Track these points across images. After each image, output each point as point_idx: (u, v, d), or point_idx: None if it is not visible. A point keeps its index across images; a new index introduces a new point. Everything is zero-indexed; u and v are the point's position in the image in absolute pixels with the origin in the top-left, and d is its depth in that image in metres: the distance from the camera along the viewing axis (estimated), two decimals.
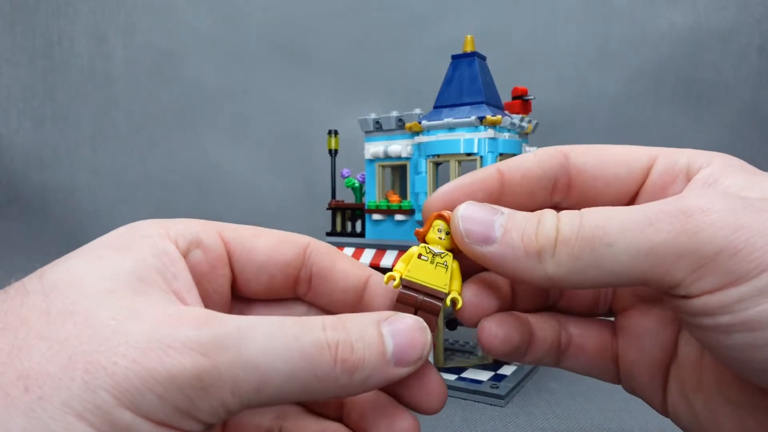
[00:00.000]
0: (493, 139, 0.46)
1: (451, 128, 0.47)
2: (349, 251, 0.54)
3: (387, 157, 0.52)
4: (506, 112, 0.52)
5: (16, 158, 1.07)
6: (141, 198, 1.02)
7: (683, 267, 0.15)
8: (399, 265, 0.20)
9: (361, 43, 0.92)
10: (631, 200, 0.21)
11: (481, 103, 0.48)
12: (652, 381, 0.21)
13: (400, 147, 0.51)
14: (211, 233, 0.20)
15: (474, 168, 0.44)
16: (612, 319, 0.23)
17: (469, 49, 0.50)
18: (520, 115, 0.50)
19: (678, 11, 0.78)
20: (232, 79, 0.99)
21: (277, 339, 0.15)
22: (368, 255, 0.52)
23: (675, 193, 0.19)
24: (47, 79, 1.08)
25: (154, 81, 1.03)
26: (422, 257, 0.19)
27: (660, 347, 0.21)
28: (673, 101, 0.79)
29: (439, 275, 0.19)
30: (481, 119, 0.45)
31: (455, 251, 0.19)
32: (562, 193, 0.21)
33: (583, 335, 0.22)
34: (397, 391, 0.20)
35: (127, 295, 0.15)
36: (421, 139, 0.49)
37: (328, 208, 0.58)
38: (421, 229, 0.20)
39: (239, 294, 0.22)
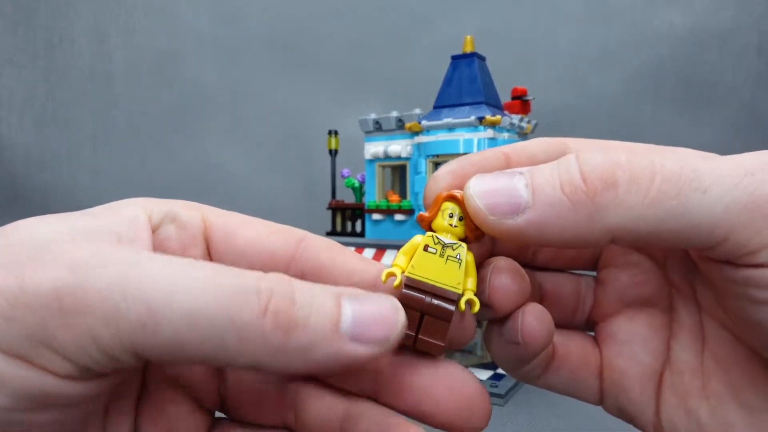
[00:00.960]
0: (492, 139, 0.46)
1: (450, 128, 0.47)
2: None
3: (387, 157, 0.52)
4: (506, 112, 0.52)
5: (17, 158, 1.07)
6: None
7: None
8: (400, 259, 0.15)
9: (361, 43, 0.92)
10: None
11: (481, 103, 0.48)
12: (643, 392, 0.19)
13: (399, 147, 0.51)
14: (192, 213, 0.18)
15: None
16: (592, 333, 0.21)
17: (468, 49, 0.50)
18: (520, 116, 0.51)
19: (677, 12, 0.78)
20: (232, 79, 1.00)
21: (183, 270, 0.12)
22: (368, 255, 0.52)
23: None
24: (48, 79, 1.08)
25: (155, 81, 1.04)
26: (429, 249, 0.15)
27: (651, 354, 0.19)
28: (673, 101, 0.79)
29: (450, 271, 0.15)
30: (481, 119, 0.45)
31: (468, 240, 0.16)
32: None
33: (566, 344, 0.20)
34: (428, 409, 0.16)
35: (65, 234, 0.13)
36: (421, 139, 0.49)
37: (328, 208, 0.58)
38: (426, 213, 0.16)
39: None
